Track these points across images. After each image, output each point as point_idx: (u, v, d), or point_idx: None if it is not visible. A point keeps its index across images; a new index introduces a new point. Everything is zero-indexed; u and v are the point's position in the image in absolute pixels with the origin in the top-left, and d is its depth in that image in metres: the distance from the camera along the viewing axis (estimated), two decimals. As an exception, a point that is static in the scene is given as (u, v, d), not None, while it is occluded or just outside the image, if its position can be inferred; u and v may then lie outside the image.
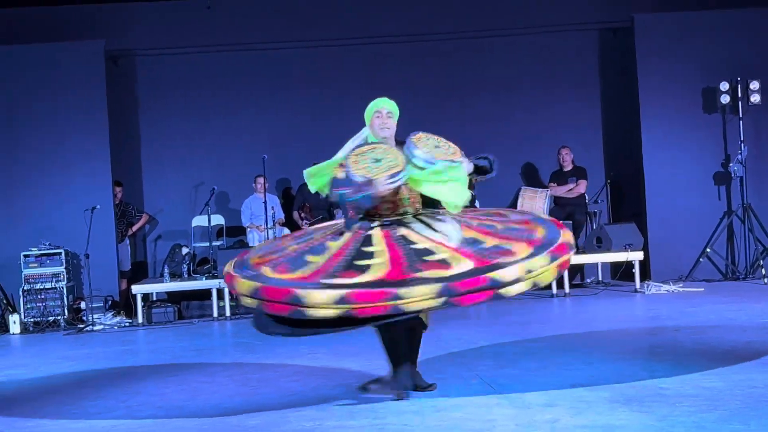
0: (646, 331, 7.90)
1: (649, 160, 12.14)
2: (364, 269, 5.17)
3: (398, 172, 5.46)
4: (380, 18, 12.84)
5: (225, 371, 7.22)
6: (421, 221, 5.63)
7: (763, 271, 11.33)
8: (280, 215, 12.18)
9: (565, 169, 12.35)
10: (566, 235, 5.52)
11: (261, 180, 11.93)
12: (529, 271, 5.16)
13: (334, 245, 5.50)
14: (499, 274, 5.07)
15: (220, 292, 10.87)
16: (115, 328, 10.58)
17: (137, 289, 10.96)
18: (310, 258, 5.43)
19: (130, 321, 10.85)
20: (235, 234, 12.58)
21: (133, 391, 6.60)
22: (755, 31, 12.13)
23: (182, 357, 8.21)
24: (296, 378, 6.73)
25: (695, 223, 11.88)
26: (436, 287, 5.00)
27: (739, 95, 11.83)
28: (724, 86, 11.86)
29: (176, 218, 12.71)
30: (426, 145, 5.64)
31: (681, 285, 11.22)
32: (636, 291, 11.12)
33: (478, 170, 5.70)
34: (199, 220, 12.23)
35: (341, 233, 5.62)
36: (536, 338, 7.82)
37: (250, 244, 11.84)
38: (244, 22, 12.73)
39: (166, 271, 11.27)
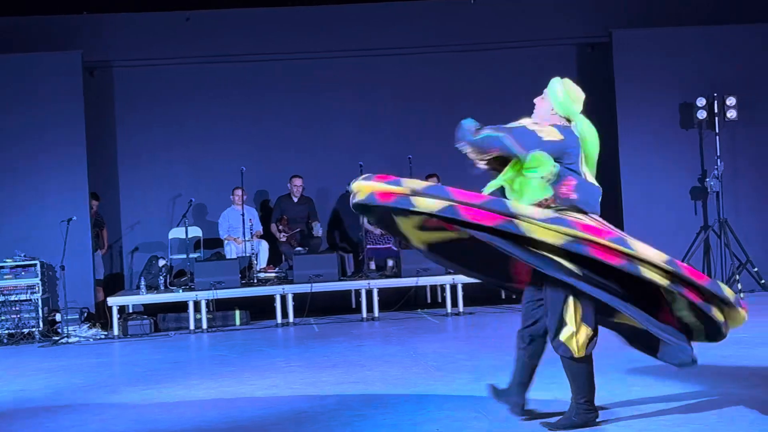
0: (621, 346, 7.88)
1: (627, 174, 12.18)
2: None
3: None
4: (360, 31, 12.85)
5: (201, 384, 7.17)
6: None
7: (740, 286, 11.38)
8: (258, 228, 12.15)
9: (543, 183, 12.36)
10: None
11: (239, 192, 11.90)
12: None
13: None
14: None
15: (197, 304, 10.81)
16: (91, 340, 10.50)
17: (113, 301, 10.88)
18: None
19: (106, 333, 10.76)
20: (212, 246, 12.53)
21: (108, 404, 6.55)
22: (732, 48, 12.21)
23: (158, 370, 8.15)
24: (273, 391, 6.69)
25: (672, 237, 11.90)
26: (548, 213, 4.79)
27: (716, 111, 11.90)
28: (701, 102, 11.93)
29: (153, 230, 12.64)
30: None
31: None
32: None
33: None
34: (177, 232, 12.17)
35: None
36: (514, 352, 7.78)
37: (228, 257, 11.81)
38: (222, 34, 12.70)
39: (143, 283, 11.20)
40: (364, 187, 5.14)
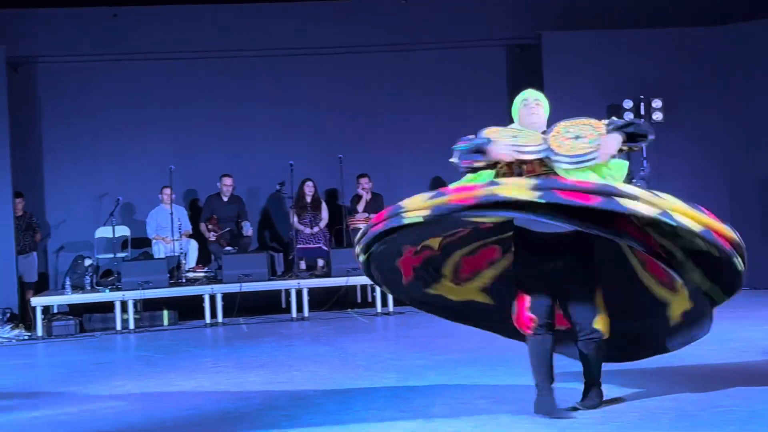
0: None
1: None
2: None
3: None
4: (290, 31, 12.77)
5: (125, 385, 7.07)
6: None
7: (665, 286, 11.55)
8: (187, 227, 12.02)
9: (473, 183, 12.42)
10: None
11: (167, 191, 11.76)
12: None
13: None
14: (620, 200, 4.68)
15: (123, 304, 10.67)
16: (14, 341, 10.28)
17: (37, 301, 10.68)
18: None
19: (30, 334, 10.56)
20: (140, 246, 12.36)
21: (31, 406, 6.42)
22: (658, 51, 12.39)
23: (81, 371, 8.02)
24: (198, 392, 6.62)
25: (599, 237, 12.06)
26: (531, 182, 4.78)
27: (642, 113, 12.08)
28: (628, 104, 12.09)
29: (79, 229, 12.41)
30: (565, 142, 5.17)
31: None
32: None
33: (632, 137, 5.26)
34: (103, 231, 11.99)
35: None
36: (442, 352, 7.83)
37: (156, 256, 11.67)
38: (151, 31, 12.54)
39: (68, 282, 11.02)
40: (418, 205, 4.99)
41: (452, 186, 5.09)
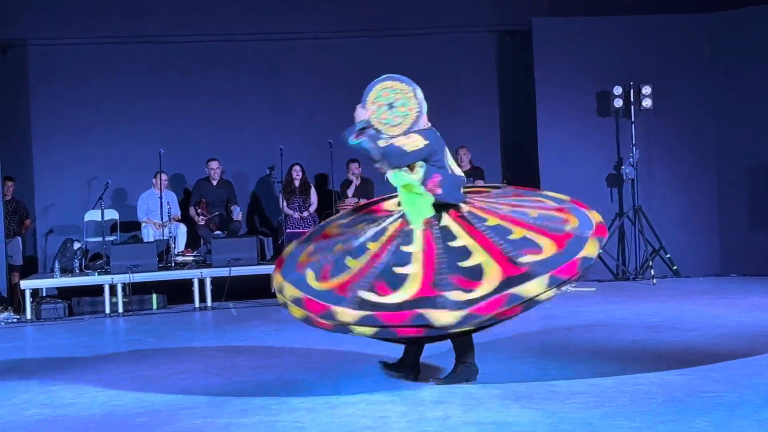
0: (539, 330, 8.01)
1: (545, 161, 12.32)
2: (398, 283, 5.44)
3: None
4: (279, 15, 12.76)
5: (115, 369, 7.07)
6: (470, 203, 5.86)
7: (652, 272, 11.62)
8: (176, 211, 12.00)
9: (463, 170, 12.40)
10: (592, 247, 5.68)
11: (162, 176, 11.75)
12: (550, 284, 5.37)
13: (373, 247, 5.69)
14: (522, 290, 5.32)
15: (112, 288, 10.66)
16: (2, 324, 10.27)
17: (26, 284, 10.66)
18: (349, 262, 5.65)
19: (18, 317, 10.55)
20: (129, 229, 12.34)
21: (19, 389, 6.41)
22: (648, 38, 12.41)
23: (71, 354, 8.01)
24: (188, 375, 6.63)
25: (588, 224, 12.06)
26: (459, 314, 5.30)
27: (632, 99, 12.10)
28: (618, 90, 12.10)
29: (68, 213, 12.40)
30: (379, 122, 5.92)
31: (573, 285, 11.40)
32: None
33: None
34: (92, 215, 11.96)
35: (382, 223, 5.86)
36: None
37: (145, 240, 11.65)
38: (141, 13, 12.50)
39: (57, 266, 10.99)
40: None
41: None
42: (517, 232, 5.60)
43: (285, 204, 12.03)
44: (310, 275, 5.70)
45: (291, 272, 5.82)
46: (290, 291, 5.71)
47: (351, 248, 5.77)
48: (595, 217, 5.93)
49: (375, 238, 5.78)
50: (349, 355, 7.11)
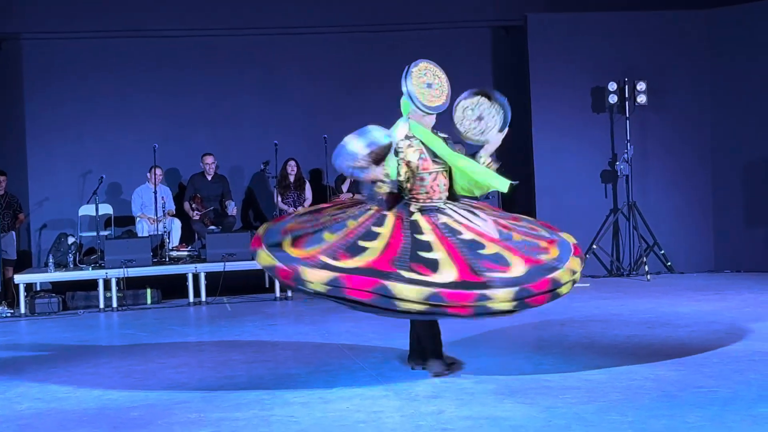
0: (533, 325, 8.01)
1: (539, 157, 12.33)
2: (360, 251, 5.53)
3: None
4: (276, 9, 12.74)
5: (109, 363, 7.07)
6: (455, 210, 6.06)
7: (646, 268, 11.63)
8: (171, 206, 11.99)
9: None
10: (565, 274, 5.72)
11: (157, 171, 11.73)
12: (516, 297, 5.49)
13: (351, 224, 5.81)
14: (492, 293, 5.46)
15: (106, 282, 10.64)
16: (-4, 318, 10.27)
17: (20, 278, 10.64)
18: (326, 235, 5.73)
19: (12, 311, 10.53)
20: (123, 224, 12.34)
21: (14, 383, 6.40)
22: (643, 34, 12.41)
23: (65, 348, 8.01)
24: (182, 370, 6.62)
25: (582, 219, 12.09)
26: (425, 290, 5.37)
27: (627, 95, 12.11)
28: (613, 86, 12.11)
29: (62, 207, 12.39)
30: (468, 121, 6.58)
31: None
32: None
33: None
34: (87, 210, 11.95)
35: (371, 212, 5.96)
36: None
37: (139, 235, 11.64)
38: (137, 7, 12.48)
39: (51, 260, 10.98)
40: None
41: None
42: (491, 248, 5.71)
43: (280, 199, 12.02)
44: (286, 242, 5.73)
45: (269, 236, 5.85)
46: (265, 258, 5.70)
47: (334, 223, 5.90)
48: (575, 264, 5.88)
49: (356, 217, 5.90)
50: (344, 351, 7.12)
